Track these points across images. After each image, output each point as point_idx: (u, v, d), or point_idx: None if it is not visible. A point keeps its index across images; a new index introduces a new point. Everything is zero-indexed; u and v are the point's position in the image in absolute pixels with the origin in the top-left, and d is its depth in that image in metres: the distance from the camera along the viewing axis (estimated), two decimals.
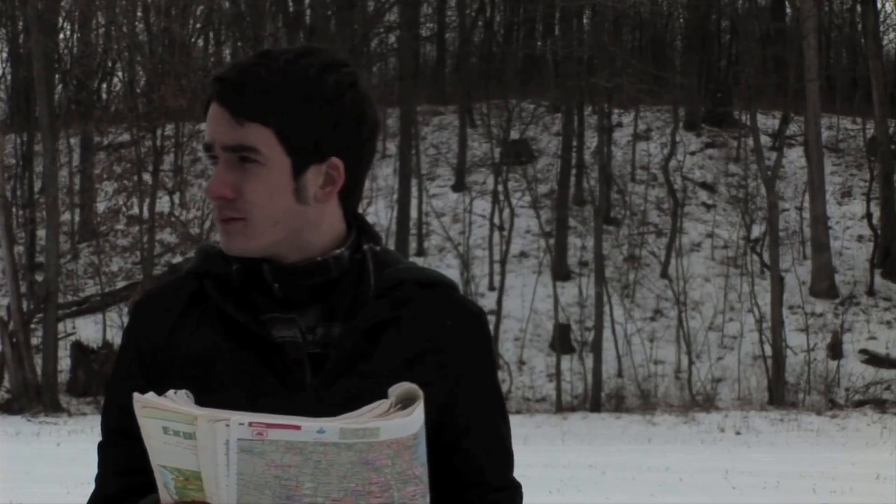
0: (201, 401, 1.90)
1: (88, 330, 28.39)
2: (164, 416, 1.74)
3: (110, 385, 2.06)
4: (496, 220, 30.44)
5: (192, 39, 33.94)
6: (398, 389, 1.75)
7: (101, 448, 2.05)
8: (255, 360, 1.96)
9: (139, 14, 31.19)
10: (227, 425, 1.70)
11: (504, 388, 26.88)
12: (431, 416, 1.96)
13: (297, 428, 1.70)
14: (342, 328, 1.97)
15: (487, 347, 2.07)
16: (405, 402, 1.74)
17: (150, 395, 1.77)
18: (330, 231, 2.00)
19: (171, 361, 2.00)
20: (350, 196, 2.02)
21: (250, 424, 1.70)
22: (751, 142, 30.66)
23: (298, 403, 1.93)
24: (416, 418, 1.73)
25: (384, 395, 1.90)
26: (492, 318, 28.25)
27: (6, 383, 25.46)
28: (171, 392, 1.79)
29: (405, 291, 2.01)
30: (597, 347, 26.52)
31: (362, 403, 1.89)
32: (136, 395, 1.78)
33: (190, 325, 2.01)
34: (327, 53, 2.01)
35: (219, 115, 1.94)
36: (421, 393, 1.75)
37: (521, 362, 28.22)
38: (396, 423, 1.71)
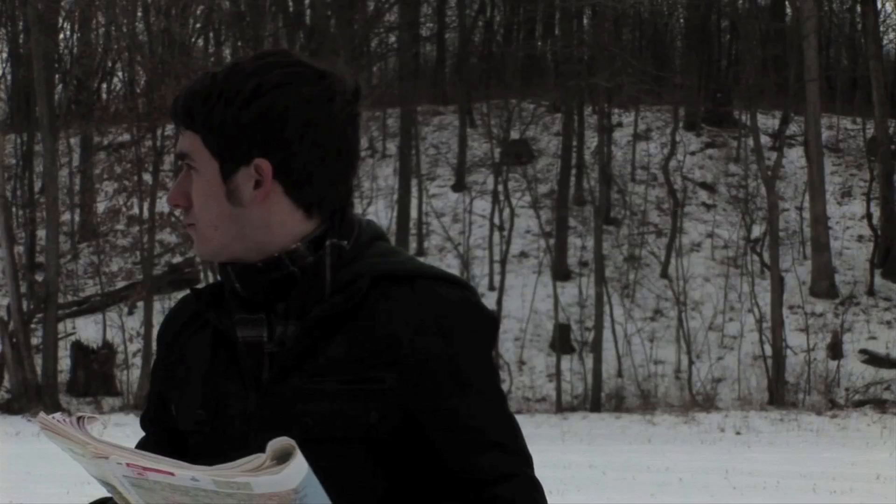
0: (178, 398, 2.07)
1: (88, 330, 28.38)
2: (61, 440, 1.79)
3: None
4: (496, 220, 30.44)
5: (192, 39, 33.92)
6: (275, 444, 1.70)
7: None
8: (227, 360, 2.02)
9: (139, 14, 31.18)
10: (108, 461, 1.73)
11: (504, 387, 26.88)
12: (393, 414, 1.95)
13: (171, 474, 1.71)
14: (295, 325, 1.98)
15: (465, 337, 1.97)
16: (281, 458, 1.70)
17: (56, 416, 1.82)
18: (283, 230, 1.99)
19: (169, 360, 2.13)
20: (304, 194, 1.99)
21: (128, 465, 1.72)
22: (751, 142, 30.66)
23: (253, 402, 1.98)
24: (287, 476, 1.68)
25: (328, 394, 1.92)
26: None
27: (6, 383, 25.47)
28: (73, 416, 1.83)
29: (361, 286, 1.97)
30: (597, 347, 26.52)
31: (306, 402, 1.94)
32: (40, 416, 1.84)
33: (193, 328, 2.10)
34: (283, 56, 2.02)
35: None
36: (296, 449, 1.69)
37: (521, 362, 28.22)
38: (265, 480, 1.67)
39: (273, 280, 1.99)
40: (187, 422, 2.04)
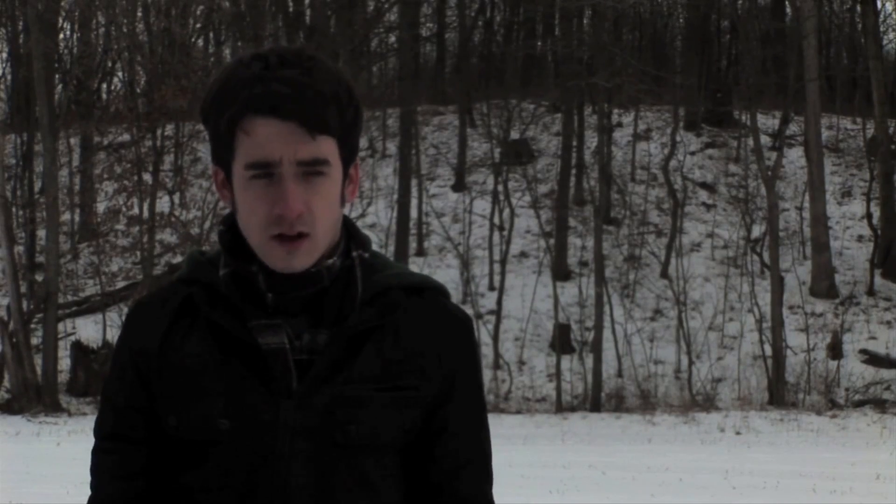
0: (188, 409, 1.98)
1: (88, 330, 28.38)
2: None
3: (104, 390, 2.08)
4: (496, 220, 30.44)
5: (192, 39, 33.91)
6: None
7: (96, 453, 2.07)
8: (242, 367, 1.98)
9: (139, 14, 31.18)
10: None
11: (504, 387, 26.98)
12: (416, 421, 1.99)
13: None
14: (328, 335, 1.98)
15: (472, 353, 2.07)
16: None
17: None
18: (336, 236, 2.02)
19: (161, 370, 2.02)
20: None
21: None
22: (751, 142, 30.65)
23: (283, 410, 1.96)
24: None
25: (367, 402, 1.94)
26: (492, 318, 28.24)
27: (6, 383, 25.46)
28: None
29: (392, 298, 2.02)
30: (597, 347, 26.50)
31: (346, 409, 1.95)
32: None
33: (180, 334, 2.02)
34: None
35: (286, 130, 1.91)
36: None
37: (521, 362, 28.22)
38: None
39: (309, 293, 1.99)
40: (202, 432, 1.98)
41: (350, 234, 2.05)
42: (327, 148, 1.94)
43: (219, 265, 2.03)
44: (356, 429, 1.95)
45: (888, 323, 28.95)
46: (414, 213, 31.73)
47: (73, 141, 32.92)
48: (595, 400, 25.84)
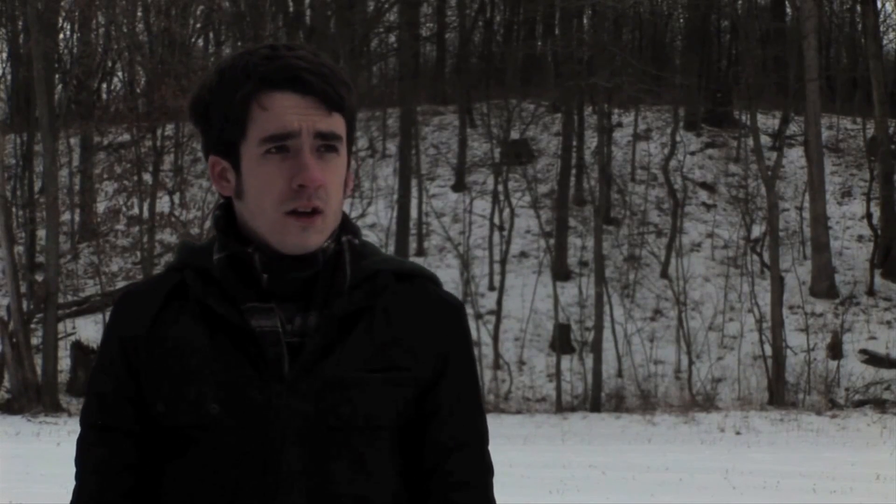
0: (178, 394, 1.96)
1: (88, 330, 28.37)
2: None
3: (91, 380, 2.07)
4: (496, 220, 30.43)
5: (192, 39, 33.92)
6: None
7: (82, 443, 2.05)
8: (233, 350, 1.97)
9: (139, 14, 31.18)
10: None
11: (504, 387, 26.98)
12: (410, 402, 2.00)
13: None
14: (318, 318, 1.98)
15: (465, 340, 2.06)
16: None
17: None
18: (336, 223, 2.04)
19: (151, 354, 2.00)
20: None
21: None
22: (751, 142, 30.65)
23: (275, 394, 1.95)
24: None
25: (359, 383, 1.94)
26: (492, 318, 28.23)
27: (6, 383, 25.46)
28: None
29: (381, 282, 2.03)
30: (597, 347, 26.51)
31: (338, 392, 1.95)
32: None
33: (170, 318, 2.01)
34: None
35: (304, 103, 1.95)
36: None
37: (521, 362, 28.22)
38: None
39: (304, 275, 2.00)
40: (191, 417, 1.96)
41: (342, 221, 2.06)
42: (340, 125, 1.98)
43: (212, 252, 2.03)
44: (349, 410, 1.95)
45: (888, 323, 28.95)
46: (414, 213, 31.73)
47: (73, 141, 32.92)
48: (595, 400, 25.84)
